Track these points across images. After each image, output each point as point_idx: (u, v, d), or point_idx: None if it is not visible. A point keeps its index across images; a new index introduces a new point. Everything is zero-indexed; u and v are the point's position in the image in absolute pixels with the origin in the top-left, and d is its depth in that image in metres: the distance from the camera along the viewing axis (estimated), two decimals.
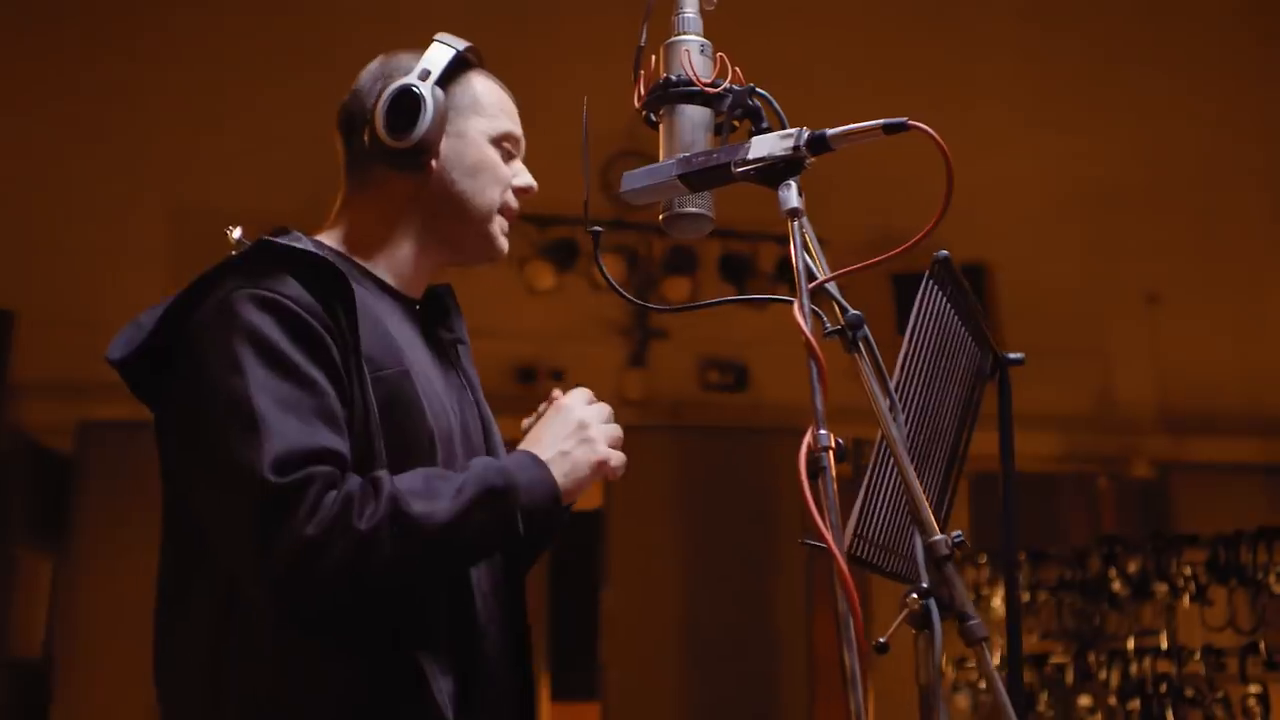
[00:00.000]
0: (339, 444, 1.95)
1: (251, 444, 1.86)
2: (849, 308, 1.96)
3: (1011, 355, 2.62)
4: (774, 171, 1.93)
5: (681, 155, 2.05)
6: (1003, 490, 2.68)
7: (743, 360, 8.92)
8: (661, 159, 2.11)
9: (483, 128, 2.32)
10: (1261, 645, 6.14)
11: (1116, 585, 6.67)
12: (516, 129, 2.39)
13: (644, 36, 2.20)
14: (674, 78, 2.10)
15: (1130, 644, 6.56)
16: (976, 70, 9.18)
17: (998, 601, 6.84)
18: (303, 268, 2.04)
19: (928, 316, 2.11)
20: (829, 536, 1.66)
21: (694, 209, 2.11)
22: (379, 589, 1.93)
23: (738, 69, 2.14)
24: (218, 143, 7.24)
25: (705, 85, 2.09)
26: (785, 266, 8.16)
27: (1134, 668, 6.44)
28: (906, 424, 2.11)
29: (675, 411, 8.94)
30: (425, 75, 2.26)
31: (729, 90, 2.10)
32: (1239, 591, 6.36)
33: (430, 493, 1.94)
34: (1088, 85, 9.12)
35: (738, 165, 1.95)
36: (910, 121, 1.87)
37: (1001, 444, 2.64)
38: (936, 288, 2.13)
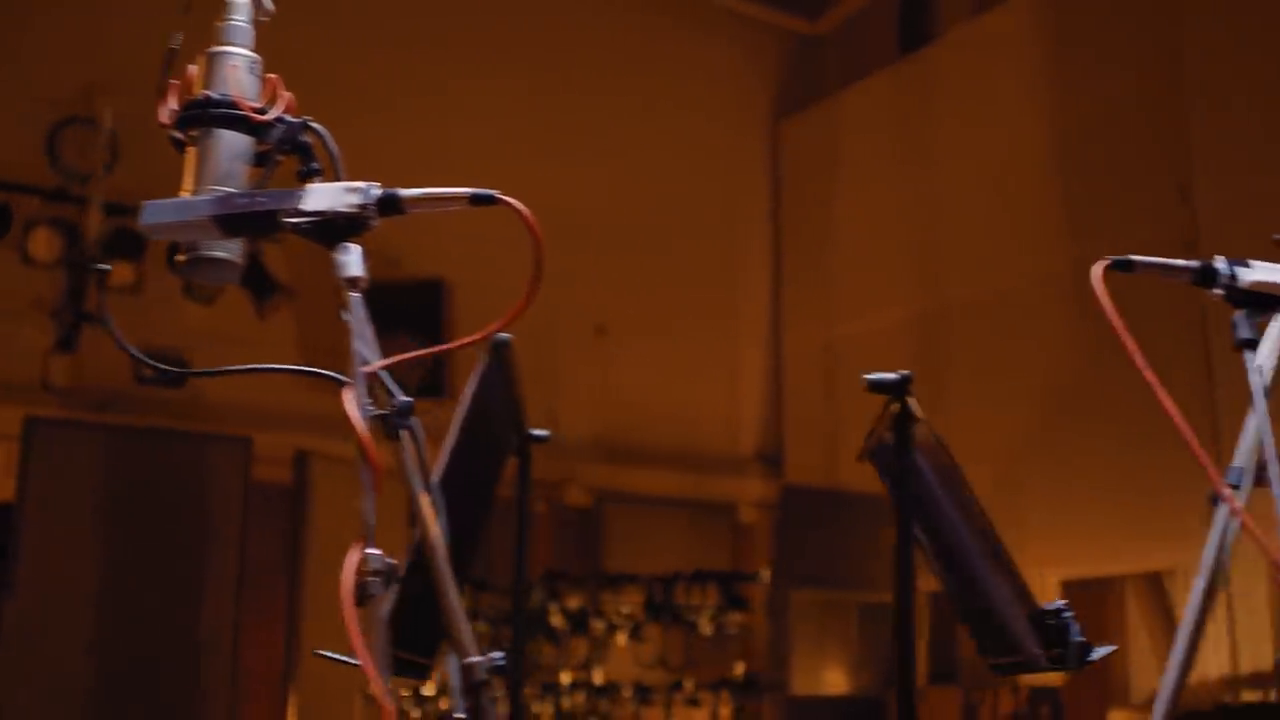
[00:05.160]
0: None
1: None
2: (397, 393, 1.74)
3: (536, 432, 2.45)
4: (331, 228, 1.68)
5: (217, 192, 1.75)
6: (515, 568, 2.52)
7: (184, 354, 8.36)
8: (189, 188, 1.80)
9: None
10: (688, 683, 6.38)
11: (556, 619, 6.73)
12: None
13: (178, 37, 1.88)
14: (216, 96, 1.80)
15: (565, 678, 6.65)
16: (459, 86, 9.17)
17: None
18: None
19: (480, 400, 1.93)
20: (378, 681, 1.43)
21: (223, 254, 1.82)
22: None
23: (289, 95, 1.87)
24: None
25: (253, 110, 1.80)
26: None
27: (567, 701, 6.52)
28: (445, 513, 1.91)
29: (104, 404, 8.26)
30: None
31: (280, 120, 1.82)
32: (672, 630, 6.58)
33: None
34: (568, 117, 9.28)
35: (289, 216, 1.68)
36: (499, 195, 1.68)
37: (519, 517, 2.46)
38: (492, 370, 1.95)
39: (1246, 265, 1.73)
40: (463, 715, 1.65)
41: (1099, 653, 1.92)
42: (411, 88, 9.09)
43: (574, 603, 6.71)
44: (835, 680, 9.11)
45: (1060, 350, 8.62)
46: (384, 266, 9.29)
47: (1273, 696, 7.60)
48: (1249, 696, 7.75)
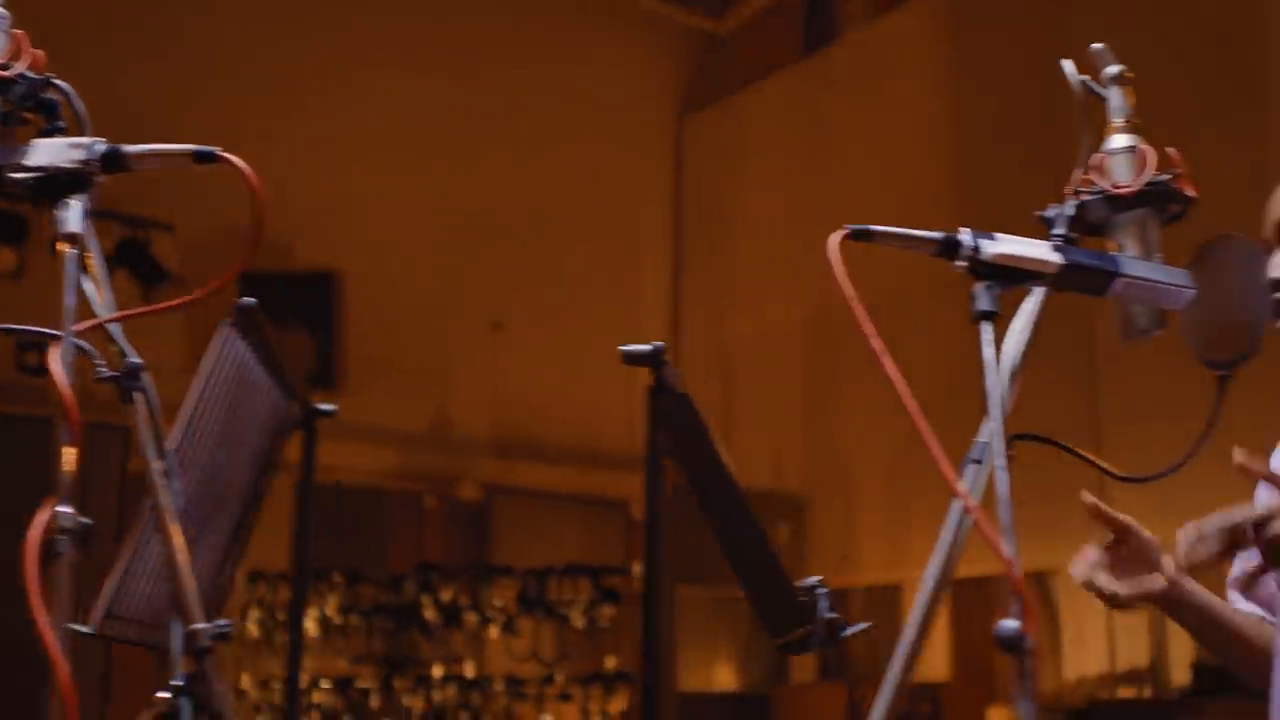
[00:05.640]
0: None
1: None
2: (130, 353, 1.71)
3: (323, 406, 2.41)
4: (55, 185, 1.63)
5: None
6: (298, 530, 2.47)
7: None
8: None
9: None
10: (559, 677, 6.35)
11: (430, 612, 6.67)
12: None
13: None
14: None
15: (437, 671, 6.60)
16: (361, 77, 9.10)
17: (308, 624, 6.65)
18: None
19: (225, 366, 1.89)
20: (52, 641, 1.39)
21: None
22: None
23: (39, 52, 1.82)
24: None
25: None
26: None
27: (438, 695, 6.47)
28: (192, 480, 1.88)
29: None
30: None
31: (21, 77, 1.77)
32: (545, 624, 6.55)
33: None
34: (468, 109, 9.23)
35: (10, 170, 1.64)
36: (220, 153, 1.65)
37: (303, 494, 2.43)
38: (238, 336, 1.90)
39: (992, 238, 1.73)
40: (180, 682, 1.62)
41: (850, 630, 1.92)
42: (314, 80, 9.01)
43: (448, 595, 6.67)
44: (724, 677, 9.14)
45: (950, 352, 8.64)
46: (276, 257, 9.20)
47: (1148, 693, 7.69)
48: (1125, 693, 7.84)
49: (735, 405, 9.95)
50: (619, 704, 6.68)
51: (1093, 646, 7.99)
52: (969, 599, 8.56)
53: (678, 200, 10.74)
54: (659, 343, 1.95)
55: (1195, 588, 2.12)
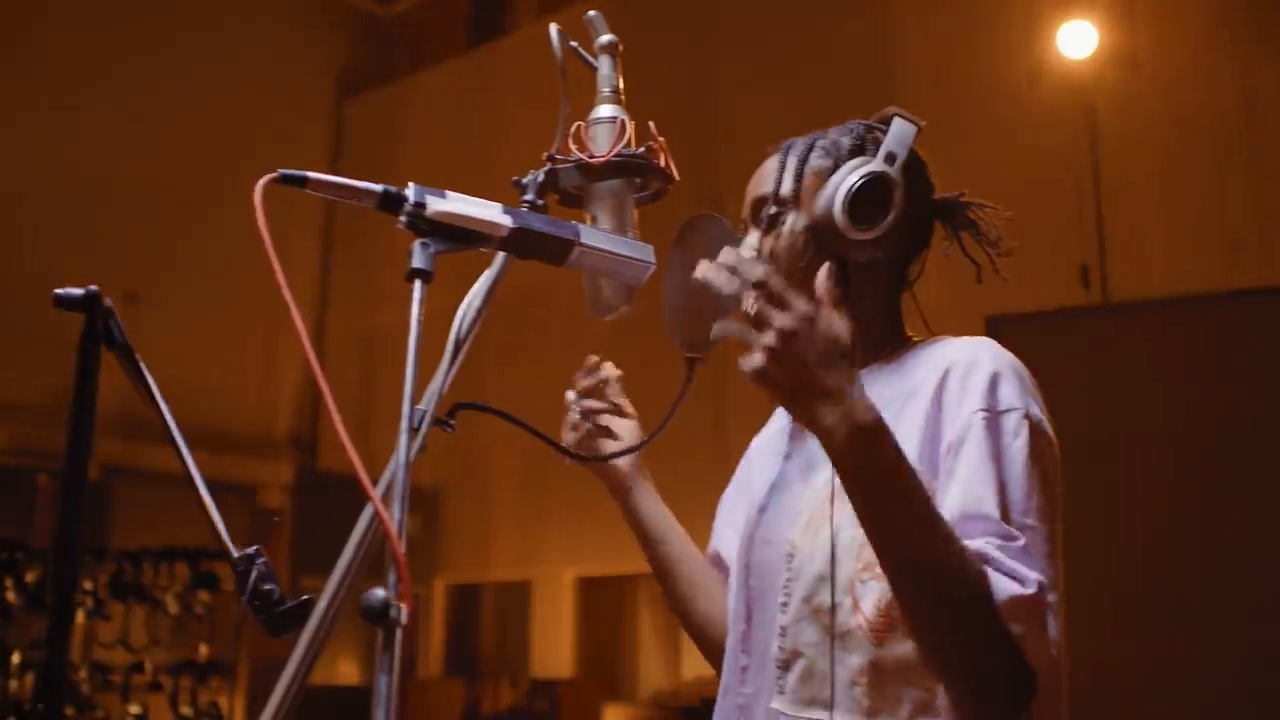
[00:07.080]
0: None
1: None
2: None
3: None
4: None
5: None
6: None
7: None
8: None
9: None
10: (148, 665, 6.06)
11: (11, 595, 6.26)
12: None
13: None
14: None
15: (15, 658, 6.18)
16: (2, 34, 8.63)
17: None
18: None
19: None
20: None
21: None
22: None
23: None
24: None
25: None
26: None
27: (15, 684, 6.07)
28: None
29: None
30: None
31: None
32: (136, 609, 6.24)
33: None
34: (119, 77, 8.85)
35: None
36: None
37: None
38: None
39: (442, 196, 1.65)
40: None
41: (287, 606, 1.81)
42: None
43: (32, 577, 6.27)
44: (347, 670, 8.94)
45: (584, 346, 8.69)
46: None
47: None
48: None
49: (377, 392, 9.77)
50: (210, 694, 6.42)
51: None
52: (596, 598, 8.62)
53: None
54: (93, 285, 1.80)
55: (645, 497, 2.09)
